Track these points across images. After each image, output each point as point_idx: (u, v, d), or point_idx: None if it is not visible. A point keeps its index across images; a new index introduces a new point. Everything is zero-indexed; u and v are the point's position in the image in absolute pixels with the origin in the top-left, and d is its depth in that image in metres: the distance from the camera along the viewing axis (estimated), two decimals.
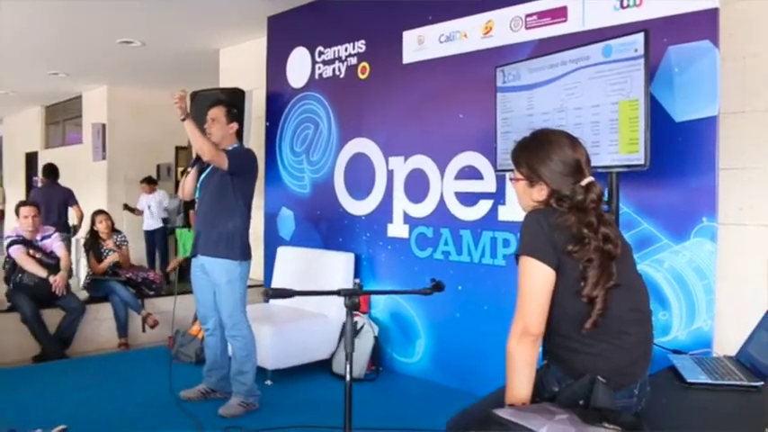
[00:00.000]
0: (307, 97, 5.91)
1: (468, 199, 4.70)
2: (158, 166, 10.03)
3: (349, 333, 2.29)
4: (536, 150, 2.22)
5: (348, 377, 2.37)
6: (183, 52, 7.91)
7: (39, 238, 5.90)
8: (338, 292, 2.27)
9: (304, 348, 5.01)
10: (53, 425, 3.71)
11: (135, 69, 8.91)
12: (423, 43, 5.00)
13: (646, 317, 2.21)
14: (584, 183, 2.15)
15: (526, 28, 4.38)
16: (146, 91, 10.05)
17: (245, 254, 4.27)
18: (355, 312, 5.19)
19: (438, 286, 2.60)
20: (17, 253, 5.73)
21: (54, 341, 5.77)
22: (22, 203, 5.97)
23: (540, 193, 2.20)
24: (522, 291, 2.12)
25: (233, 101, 5.88)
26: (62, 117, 12.04)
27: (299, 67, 6.00)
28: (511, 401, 2.08)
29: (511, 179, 2.39)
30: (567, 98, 3.64)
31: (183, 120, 4.07)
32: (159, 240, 9.47)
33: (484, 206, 4.61)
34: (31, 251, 5.79)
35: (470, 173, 4.68)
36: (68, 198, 8.21)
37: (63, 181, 8.63)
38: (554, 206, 2.16)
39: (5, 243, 5.88)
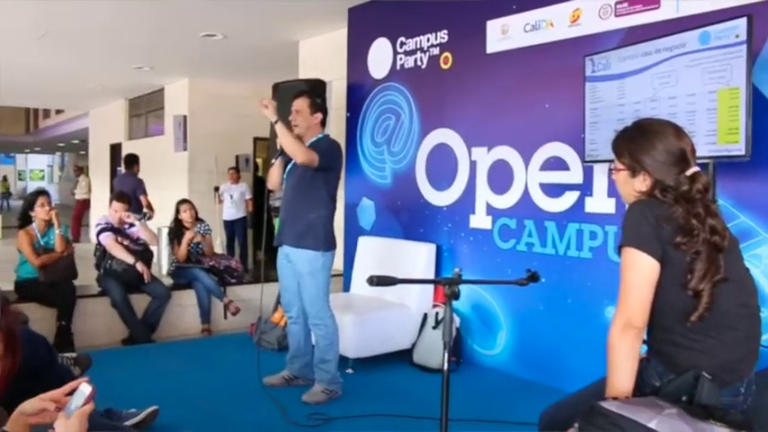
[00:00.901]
0: (388, 88, 5.91)
1: (554, 190, 4.62)
2: (237, 157, 10.20)
3: (448, 322, 2.29)
4: (639, 140, 2.16)
5: (446, 366, 2.34)
6: (263, 44, 8.01)
7: (126, 225, 6.09)
8: (439, 281, 2.25)
9: (385, 338, 5.02)
10: (144, 405, 3.81)
11: (216, 62, 9.08)
12: (507, 33, 4.92)
13: (754, 312, 2.12)
14: (689, 172, 2.08)
15: (616, 15, 4.26)
16: (225, 83, 10.24)
17: (328, 244, 4.27)
18: (436, 304, 5.25)
19: (534, 277, 2.56)
20: (107, 240, 5.93)
21: (142, 325, 5.96)
22: (116, 198, 6.17)
23: (644, 183, 2.14)
24: (624, 282, 2.06)
25: (315, 91, 5.94)
26: (145, 109, 12.39)
27: (380, 57, 6.00)
28: (613, 394, 2.03)
29: (611, 169, 2.33)
30: (661, 87, 3.54)
31: (275, 123, 4.09)
32: (239, 230, 9.66)
33: (570, 198, 4.52)
34: (120, 238, 5.98)
35: (556, 164, 4.60)
36: (137, 187, 8.51)
37: (145, 171, 8.92)
38: (658, 197, 2.09)
39: (95, 230, 6.09)
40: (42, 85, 11.73)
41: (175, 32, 7.57)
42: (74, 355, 3.89)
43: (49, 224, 5.78)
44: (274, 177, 4.44)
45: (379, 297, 5.33)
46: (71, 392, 1.74)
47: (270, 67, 8.85)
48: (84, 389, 1.72)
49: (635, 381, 2.05)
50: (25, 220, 5.81)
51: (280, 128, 4.09)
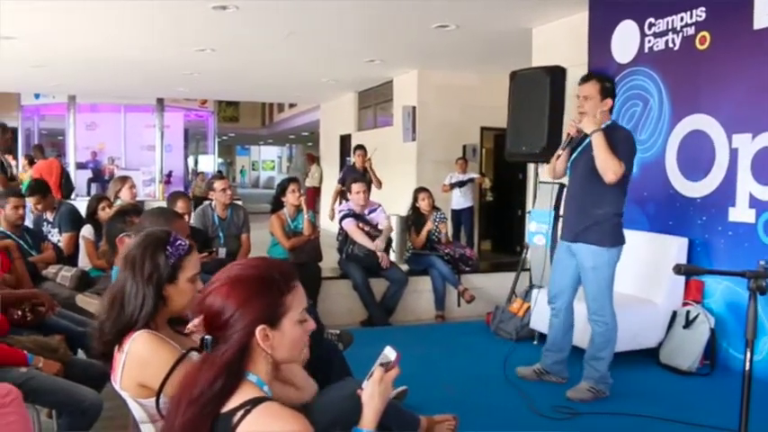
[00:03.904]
0: (634, 73, 5.62)
1: None
2: (464, 147, 10.29)
3: (751, 319, 2.11)
4: None
5: (747, 365, 2.15)
6: (495, 34, 7.96)
7: (367, 211, 6.36)
8: (743, 274, 2.10)
9: (631, 334, 4.78)
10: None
11: (445, 53, 9.19)
12: None
13: None
14: None
15: None
16: (453, 73, 10.34)
17: (614, 240, 4.08)
18: (686, 301, 4.93)
19: None
20: (349, 225, 6.23)
21: (380, 309, 6.20)
22: (353, 180, 6.47)
23: None
24: None
25: (554, 79, 5.80)
26: (373, 101, 12.87)
27: (625, 41, 5.72)
28: None
29: None
30: None
31: (593, 133, 3.92)
32: (466, 220, 9.75)
33: None
34: (361, 224, 6.26)
35: None
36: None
37: (374, 160, 9.27)
38: None
39: (338, 216, 6.41)
40: (281, 82, 12.59)
41: (409, 25, 7.75)
42: (337, 331, 4.11)
43: (298, 209, 6.18)
44: (559, 167, 4.27)
45: (622, 292, 5.10)
46: None
47: (499, 56, 8.80)
48: (390, 353, 1.78)
49: None
50: (277, 205, 6.26)
51: (598, 139, 3.89)
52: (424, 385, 4.32)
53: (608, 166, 3.86)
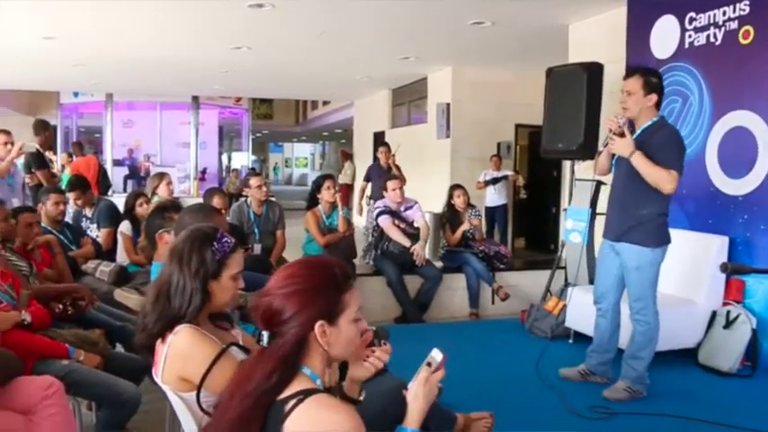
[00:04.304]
0: (674, 68, 5.52)
1: None
2: (498, 144, 10.22)
3: None
4: None
5: None
6: (531, 30, 7.89)
7: (403, 208, 6.35)
8: None
9: (670, 334, 4.69)
10: None
11: (480, 49, 9.13)
12: None
13: None
14: None
15: None
16: (487, 70, 10.26)
17: (659, 240, 4.03)
18: (727, 301, 4.84)
19: None
20: (385, 222, 6.23)
21: (414, 305, 6.19)
22: (389, 178, 6.47)
23: None
24: None
25: (592, 75, 5.75)
26: (407, 98, 12.83)
27: (664, 36, 5.63)
28: None
29: None
30: None
31: (631, 155, 3.83)
32: (500, 217, 9.69)
33: None
34: (396, 221, 6.25)
35: None
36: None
37: (407, 158, 9.27)
38: None
39: (374, 213, 6.41)
40: (315, 79, 12.61)
41: (445, 21, 7.71)
42: (373, 327, 4.10)
43: (333, 206, 6.19)
44: (603, 164, 4.21)
45: (662, 291, 5.01)
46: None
47: (535, 52, 8.71)
48: (436, 355, 1.80)
49: None
50: (312, 201, 6.28)
51: (639, 160, 3.81)
52: (458, 383, 4.26)
53: (660, 182, 3.82)
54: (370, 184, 9.53)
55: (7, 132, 5.93)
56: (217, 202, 5.20)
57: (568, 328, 5.36)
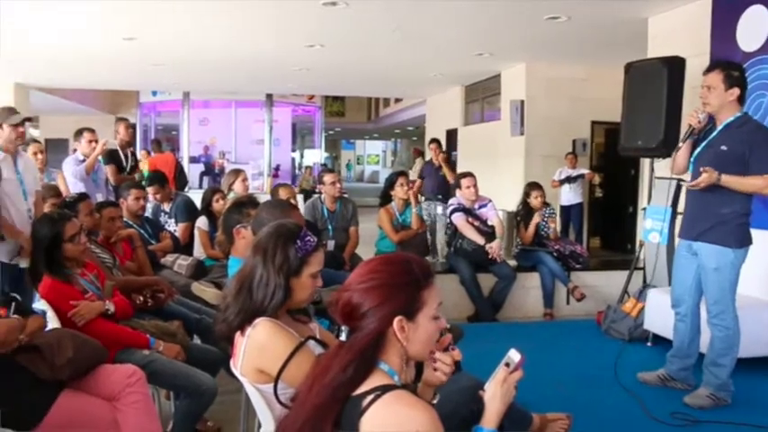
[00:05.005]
0: (762, 61, 5.28)
1: None
2: (574, 141, 10.01)
3: None
4: None
5: None
6: (607, 24, 7.70)
7: (477, 206, 6.28)
8: None
9: (754, 339, 4.44)
10: None
11: (555, 45, 8.96)
12: None
13: None
14: None
15: None
16: (562, 66, 10.07)
17: (740, 240, 3.87)
18: None
19: None
20: (459, 220, 6.17)
21: (488, 304, 6.13)
22: (461, 175, 6.41)
23: None
24: None
25: (672, 70, 5.56)
26: (480, 95, 12.70)
27: (753, 27, 5.39)
28: None
29: None
30: None
31: (718, 180, 3.71)
32: (575, 216, 9.52)
33: None
34: (470, 219, 6.19)
35: None
36: None
37: (480, 155, 9.16)
38: None
39: (449, 210, 6.37)
40: (388, 76, 12.64)
41: (520, 17, 7.60)
42: (447, 325, 4.08)
43: (406, 203, 6.19)
44: (681, 161, 4.07)
45: (745, 294, 4.76)
46: None
47: (611, 47, 8.50)
48: (514, 356, 1.77)
49: None
50: (386, 199, 6.30)
51: (730, 180, 3.70)
52: (532, 382, 4.21)
53: (759, 191, 3.75)
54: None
55: (92, 131, 6.16)
56: (282, 193, 5.34)
57: (647, 330, 5.21)
